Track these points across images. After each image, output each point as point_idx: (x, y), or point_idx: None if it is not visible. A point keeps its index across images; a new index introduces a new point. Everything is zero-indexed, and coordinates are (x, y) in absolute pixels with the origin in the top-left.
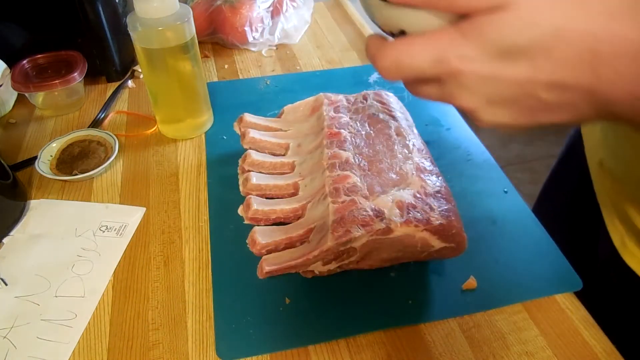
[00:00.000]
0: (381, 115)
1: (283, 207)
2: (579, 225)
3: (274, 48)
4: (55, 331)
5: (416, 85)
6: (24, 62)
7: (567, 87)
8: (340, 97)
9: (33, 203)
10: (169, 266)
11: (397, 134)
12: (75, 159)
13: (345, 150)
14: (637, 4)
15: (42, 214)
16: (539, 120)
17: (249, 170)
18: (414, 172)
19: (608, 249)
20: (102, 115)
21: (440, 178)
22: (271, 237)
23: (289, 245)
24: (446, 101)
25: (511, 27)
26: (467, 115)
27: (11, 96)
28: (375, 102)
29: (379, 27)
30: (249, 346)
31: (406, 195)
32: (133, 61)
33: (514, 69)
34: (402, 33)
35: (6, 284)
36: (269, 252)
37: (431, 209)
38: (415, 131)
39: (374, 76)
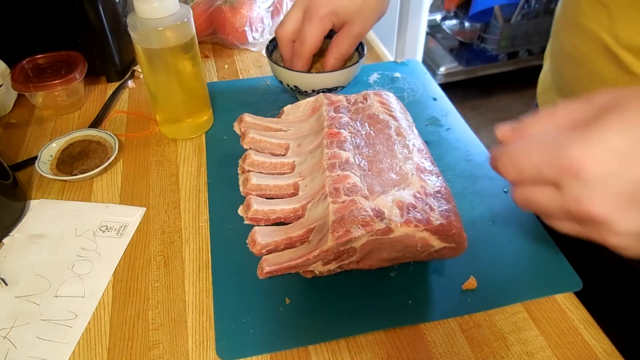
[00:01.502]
0: (381, 115)
1: (283, 207)
2: None
3: None
4: (55, 331)
5: (535, 192)
6: (24, 62)
7: None
8: (340, 97)
9: (33, 203)
10: (169, 266)
11: (397, 134)
12: (75, 159)
13: (345, 150)
14: None
15: (42, 214)
16: None
17: (249, 171)
18: (414, 172)
19: None
20: (102, 115)
21: (440, 178)
22: (271, 237)
23: (289, 245)
24: (570, 211)
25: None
26: (600, 235)
27: (11, 96)
28: (375, 102)
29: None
30: (249, 346)
31: (406, 195)
32: (133, 61)
33: None
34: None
35: (6, 284)
36: (269, 252)
37: (431, 209)
38: (415, 131)
39: (374, 76)
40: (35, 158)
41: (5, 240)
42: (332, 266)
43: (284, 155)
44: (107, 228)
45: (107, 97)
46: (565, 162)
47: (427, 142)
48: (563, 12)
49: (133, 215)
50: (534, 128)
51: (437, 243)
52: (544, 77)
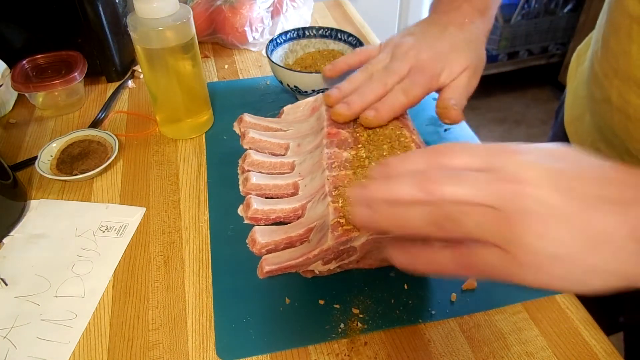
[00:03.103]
0: None
1: (283, 206)
2: None
3: None
4: (55, 331)
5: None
6: (24, 62)
7: None
8: None
9: (33, 203)
10: (169, 266)
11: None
12: (75, 159)
13: (345, 150)
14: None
15: (42, 214)
16: None
17: (248, 170)
18: None
19: None
20: (102, 115)
21: None
22: (271, 237)
23: (289, 245)
24: (499, 189)
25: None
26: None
27: (11, 96)
28: None
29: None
30: (249, 346)
31: None
32: (133, 61)
33: None
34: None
35: (6, 284)
36: (269, 251)
37: None
38: (415, 131)
39: None
40: (35, 158)
41: (5, 240)
42: (332, 266)
43: (283, 155)
44: (107, 228)
45: (107, 97)
46: (503, 149)
47: (427, 142)
48: (607, 60)
49: (133, 215)
50: (406, 164)
51: None
52: (572, 104)
